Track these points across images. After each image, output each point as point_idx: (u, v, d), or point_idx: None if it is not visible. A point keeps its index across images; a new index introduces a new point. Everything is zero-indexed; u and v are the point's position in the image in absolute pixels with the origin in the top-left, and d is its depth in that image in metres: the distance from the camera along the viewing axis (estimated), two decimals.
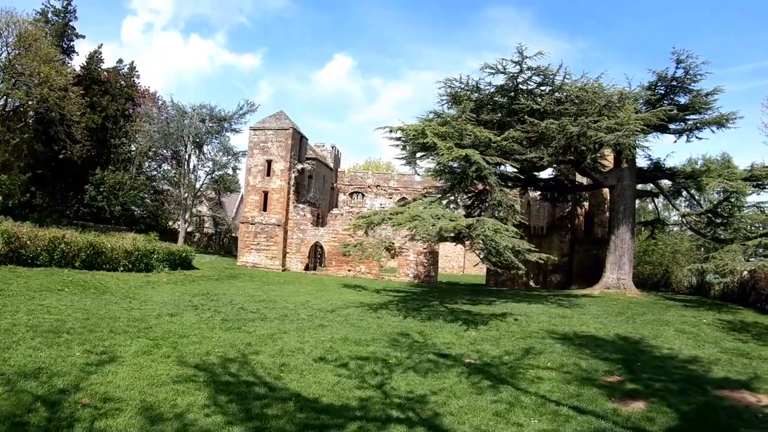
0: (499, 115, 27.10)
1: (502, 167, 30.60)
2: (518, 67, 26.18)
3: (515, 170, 32.71)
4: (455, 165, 24.10)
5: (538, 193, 40.90)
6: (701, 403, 9.90)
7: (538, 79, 27.21)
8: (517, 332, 16.81)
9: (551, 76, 26.60)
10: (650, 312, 23.12)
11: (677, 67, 29.24)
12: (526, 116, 25.42)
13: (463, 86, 27.61)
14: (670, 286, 38.08)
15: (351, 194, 61.68)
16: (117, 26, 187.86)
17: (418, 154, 25.70)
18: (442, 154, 21.20)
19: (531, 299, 26.94)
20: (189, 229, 56.04)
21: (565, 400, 9.86)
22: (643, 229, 42.18)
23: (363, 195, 61.22)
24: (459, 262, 60.96)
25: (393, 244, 22.80)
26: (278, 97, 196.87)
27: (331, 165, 57.36)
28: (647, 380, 11.39)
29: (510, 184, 35.96)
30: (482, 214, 24.53)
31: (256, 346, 12.95)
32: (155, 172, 58.30)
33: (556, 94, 27.29)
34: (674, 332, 18.05)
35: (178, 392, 9.14)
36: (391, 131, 23.93)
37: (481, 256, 22.54)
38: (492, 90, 27.97)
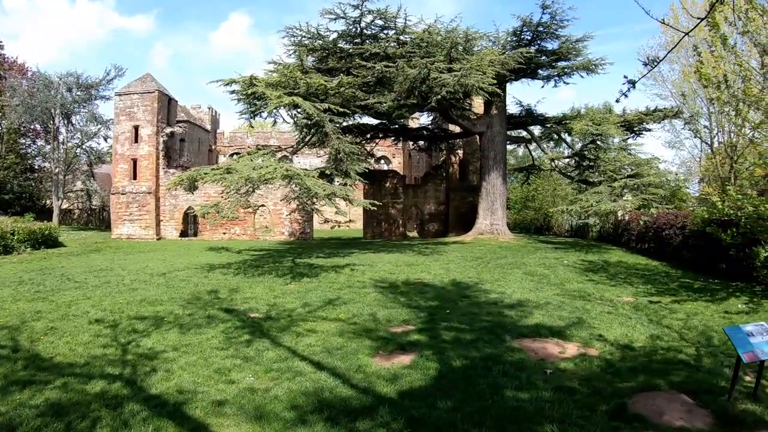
0: (343, 62, 26.15)
1: (363, 118, 30.12)
2: (358, 11, 25.23)
3: (382, 121, 32.16)
4: (285, 114, 23.28)
5: (413, 144, 40.34)
6: (483, 357, 9.01)
7: (381, 23, 26.33)
8: (340, 283, 16.26)
9: (392, 19, 25.75)
10: (513, 255, 22.91)
11: (543, 13, 28.72)
12: (367, 62, 24.59)
13: (304, 34, 26.54)
14: (551, 230, 38.52)
15: (231, 155, 59.43)
16: None
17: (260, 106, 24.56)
18: (270, 103, 20.25)
19: (395, 249, 26.58)
20: (67, 206, 53.69)
21: (316, 354, 9.23)
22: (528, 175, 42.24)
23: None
24: (345, 217, 59.09)
25: (249, 201, 21.72)
26: (175, 60, 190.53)
27: (208, 127, 55.73)
28: (441, 330, 10.72)
29: (381, 135, 35.51)
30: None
31: (45, 314, 12.60)
32: (30, 149, 55.22)
33: (402, 37, 26.49)
34: (522, 275, 17.66)
35: None
36: (225, 84, 22.74)
37: (296, 204, 21.69)
38: (334, 36, 27.00)
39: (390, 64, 24.02)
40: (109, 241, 35.56)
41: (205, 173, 19.68)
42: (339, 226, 32.35)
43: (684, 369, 8.47)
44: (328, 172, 23.05)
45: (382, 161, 60.40)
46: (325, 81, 22.33)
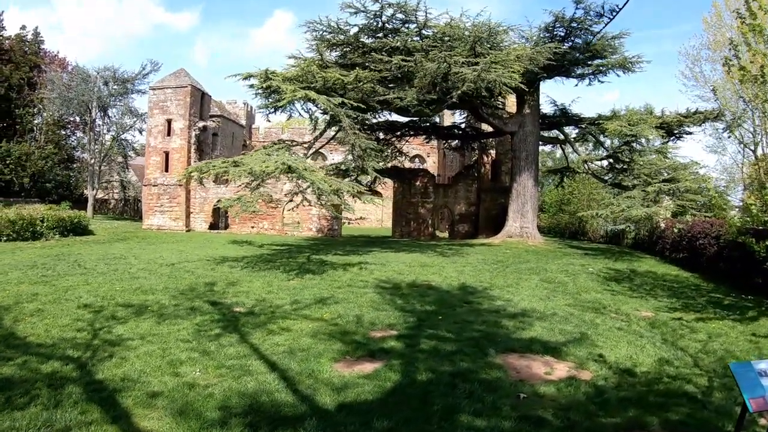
0: (366, 57, 25.50)
1: (392, 116, 29.64)
2: (378, 4, 24.52)
3: (412, 118, 31.65)
4: (301, 109, 22.70)
5: (444, 142, 39.54)
6: (454, 372, 8.16)
7: (402, 17, 25.54)
8: (342, 281, 15.82)
9: (413, 12, 25.01)
10: (537, 260, 22.06)
11: (576, 8, 27.58)
12: (386, 56, 24.01)
13: (325, 28, 25.94)
14: (586, 235, 37.44)
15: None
16: None
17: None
18: (284, 97, 19.85)
19: (417, 249, 25.97)
20: (103, 196, 54.60)
21: (277, 354, 8.83)
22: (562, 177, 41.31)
23: None
24: (377, 216, 59.51)
25: (272, 196, 21.40)
26: (216, 56, 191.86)
27: (243, 122, 55.96)
28: (424, 338, 10.02)
29: (412, 133, 35.00)
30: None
31: (40, 296, 12.89)
32: (69, 141, 56.30)
33: (424, 31, 25.78)
34: (538, 281, 16.79)
35: None
36: (243, 78, 22.37)
37: (296, 201, 20.93)
38: (355, 31, 26.31)
39: (408, 58, 23.36)
40: (139, 231, 35.93)
41: (213, 165, 19.41)
42: (349, 223, 32.18)
43: (687, 404, 7.31)
44: (344, 167, 22.65)
45: (417, 160, 59.89)
46: (342, 75, 21.84)
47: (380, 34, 25.80)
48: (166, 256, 21.35)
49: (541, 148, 59.28)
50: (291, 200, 20.63)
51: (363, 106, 22.37)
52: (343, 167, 22.97)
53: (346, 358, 8.84)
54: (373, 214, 59.05)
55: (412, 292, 14.61)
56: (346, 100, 20.72)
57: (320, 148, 27.25)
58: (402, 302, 13.15)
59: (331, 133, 25.91)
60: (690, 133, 31.85)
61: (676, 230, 23.89)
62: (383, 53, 24.21)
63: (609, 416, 6.81)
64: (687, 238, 22.57)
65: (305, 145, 25.71)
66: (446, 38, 24.79)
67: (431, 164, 58.64)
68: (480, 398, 7.17)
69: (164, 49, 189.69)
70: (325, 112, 21.22)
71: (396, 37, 25.27)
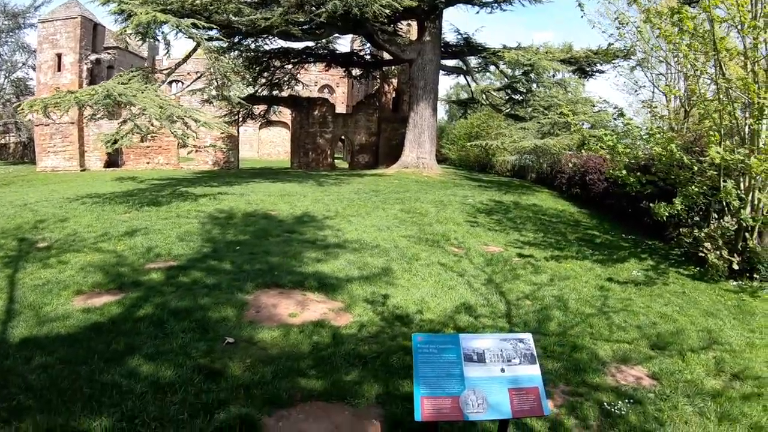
0: None
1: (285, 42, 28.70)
2: None
3: (307, 45, 30.78)
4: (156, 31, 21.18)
5: (345, 70, 38.31)
6: (182, 309, 7.48)
7: None
8: (177, 212, 15.25)
9: None
10: (418, 190, 21.56)
11: None
12: None
13: None
14: (494, 169, 37.11)
15: (170, 83, 57.23)
16: None
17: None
18: (133, 20, 18.63)
19: (300, 179, 25.37)
20: (0, 141, 52.33)
21: (27, 287, 8.48)
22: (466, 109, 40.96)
23: (182, 83, 56.70)
24: (285, 147, 57.47)
25: (150, 127, 19.90)
26: None
27: (145, 54, 53.76)
28: (196, 270, 9.43)
29: (312, 60, 34.21)
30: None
31: None
32: None
33: None
34: (397, 212, 16.04)
35: None
36: (102, 3, 20.80)
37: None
38: None
39: None
40: (31, 175, 34.32)
41: (53, 97, 18.14)
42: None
43: None
44: (206, 96, 21.72)
45: (326, 90, 59.06)
46: None
47: None
48: (30, 198, 20.16)
49: (455, 80, 58.82)
50: (119, 130, 19.28)
51: (214, 26, 21.09)
52: (204, 95, 21.99)
53: (95, 290, 8.38)
54: (281, 146, 57.90)
55: (242, 222, 14.09)
56: (198, 22, 19.38)
57: (170, 75, 25.81)
58: (218, 232, 12.65)
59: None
60: (602, 72, 31.60)
61: (571, 165, 23.76)
62: None
63: (315, 377, 5.82)
64: (580, 174, 22.47)
65: (166, 72, 24.58)
66: None
67: (340, 94, 58.06)
68: (173, 339, 6.50)
69: None
70: (179, 32, 19.80)
71: None
